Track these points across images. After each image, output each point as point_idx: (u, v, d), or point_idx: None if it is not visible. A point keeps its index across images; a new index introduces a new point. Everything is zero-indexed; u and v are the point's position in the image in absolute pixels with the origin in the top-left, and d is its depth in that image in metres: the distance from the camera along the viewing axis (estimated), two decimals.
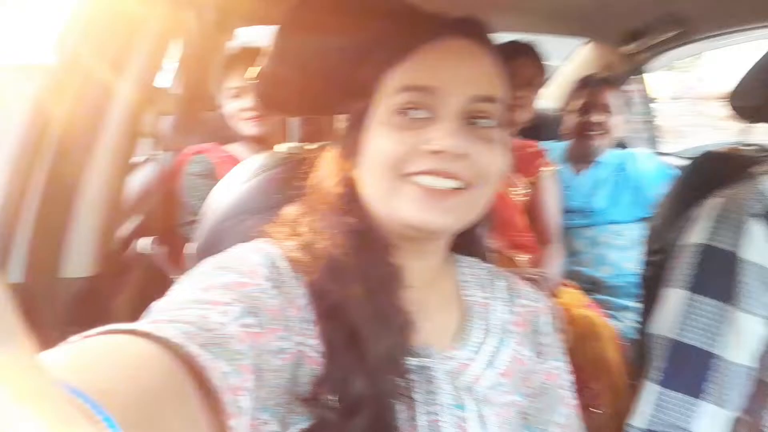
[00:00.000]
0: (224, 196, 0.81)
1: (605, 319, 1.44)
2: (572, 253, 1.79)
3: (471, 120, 0.59)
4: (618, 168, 1.88)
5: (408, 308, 0.59)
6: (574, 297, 1.54)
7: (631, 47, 1.85)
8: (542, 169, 1.79)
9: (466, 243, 0.73)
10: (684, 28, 1.61)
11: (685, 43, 1.70)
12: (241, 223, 0.76)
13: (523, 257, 1.64)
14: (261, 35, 1.70)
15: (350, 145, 0.63)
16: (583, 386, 1.33)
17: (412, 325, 0.58)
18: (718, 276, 0.78)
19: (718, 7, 1.37)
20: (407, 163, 0.57)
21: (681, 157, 2.04)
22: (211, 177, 1.49)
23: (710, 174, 0.97)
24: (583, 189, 1.87)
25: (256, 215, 0.74)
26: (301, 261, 0.58)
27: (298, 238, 0.61)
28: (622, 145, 2.08)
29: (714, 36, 1.57)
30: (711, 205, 0.82)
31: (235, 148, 1.63)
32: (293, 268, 0.58)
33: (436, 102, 0.58)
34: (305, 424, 0.53)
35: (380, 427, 0.54)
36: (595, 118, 1.82)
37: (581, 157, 1.93)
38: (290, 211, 0.65)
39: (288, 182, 0.69)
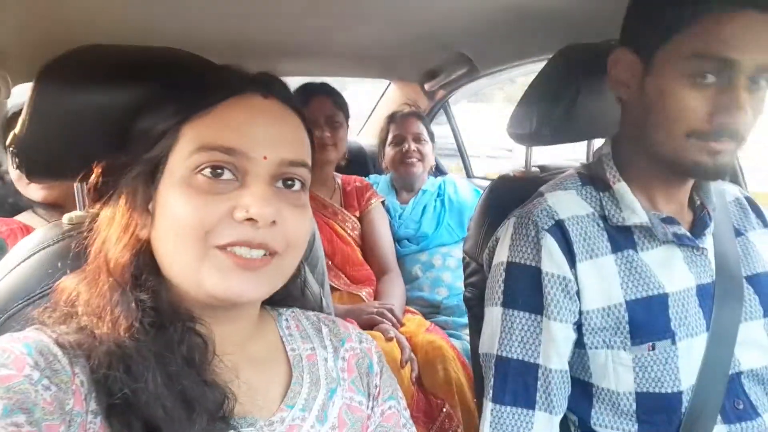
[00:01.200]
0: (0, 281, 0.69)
1: (448, 340, 1.51)
2: (410, 279, 1.87)
3: (280, 185, 0.58)
4: (439, 194, 2.02)
5: (221, 384, 0.54)
6: (416, 323, 1.60)
7: (431, 84, 2.03)
8: (371, 201, 1.86)
9: (283, 300, 0.72)
10: (470, 66, 1.81)
11: (475, 78, 1.90)
12: (20, 313, 0.65)
13: (363, 291, 1.67)
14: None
15: (141, 206, 0.57)
16: (438, 411, 1.37)
17: (228, 401, 0.54)
18: (525, 290, 0.85)
19: (494, 49, 1.56)
20: (215, 232, 0.53)
21: (489, 180, 2.28)
22: (1, 254, 1.26)
23: (505, 196, 1.08)
24: (411, 216, 1.98)
25: (38, 300, 0.64)
26: (78, 345, 0.51)
27: (73, 319, 0.54)
28: (439, 172, 2.27)
29: (497, 71, 1.78)
30: (509, 225, 0.90)
31: (25, 217, 1.40)
32: (68, 354, 0.50)
33: (242, 164, 0.55)
34: None
35: None
36: (411, 146, 1.98)
37: (405, 186, 2.06)
38: (66, 285, 0.57)
39: (72, 256, 0.61)
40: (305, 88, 1.79)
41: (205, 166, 0.54)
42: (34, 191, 1.36)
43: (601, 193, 0.88)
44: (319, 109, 1.75)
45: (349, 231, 1.80)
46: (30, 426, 0.43)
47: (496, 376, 0.86)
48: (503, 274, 0.87)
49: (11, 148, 0.66)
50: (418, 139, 2.00)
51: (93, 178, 0.61)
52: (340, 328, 0.73)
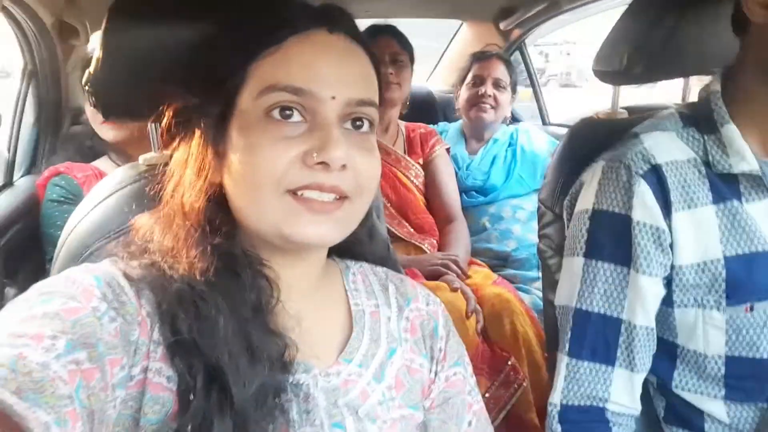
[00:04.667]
0: (80, 220, 0.70)
1: (516, 293, 1.46)
2: (478, 231, 1.81)
3: (349, 126, 0.55)
4: (510, 143, 1.92)
5: (284, 332, 0.53)
6: (483, 275, 1.55)
7: (506, 23, 1.90)
8: (435, 148, 1.80)
9: (352, 247, 0.69)
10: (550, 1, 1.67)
11: (554, 15, 1.76)
12: (101, 249, 0.66)
13: (426, 243, 1.64)
14: None
15: (213, 150, 0.55)
16: (503, 363, 1.34)
17: (289, 350, 0.53)
18: (612, 240, 0.78)
19: None
20: (287, 177, 0.52)
21: (567, 126, 2.14)
22: (78, 200, 1.33)
23: (588, 140, 0.99)
24: (480, 167, 1.90)
25: (115, 238, 0.65)
26: (146, 279, 0.51)
27: (146, 255, 0.53)
28: (513, 120, 2.15)
29: (581, 4, 1.63)
30: (596, 168, 0.82)
31: (101, 163, 1.46)
32: (135, 286, 0.51)
33: (310, 105, 0.53)
34: None
35: None
36: (487, 90, 1.86)
37: (475, 134, 1.96)
38: (142, 223, 0.57)
39: (148, 197, 0.61)
40: (370, 29, 1.73)
41: (273, 108, 0.52)
42: (106, 131, 1.40)
43: (705, 136, 0.77)
44: (384, 47, 1.70)
45: (412, 178, 1.76)
46: (90, 362, 0.43)
47: (573, 329, 0.80)
48: (587, 222, 0.80)
49: (87, 87, 0.66)
50: (497, 84, 1.88)
51: (165, 119, 0.60)
52: (408, 287, 0.70)
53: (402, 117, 1.85)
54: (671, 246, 0.75)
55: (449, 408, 0.66)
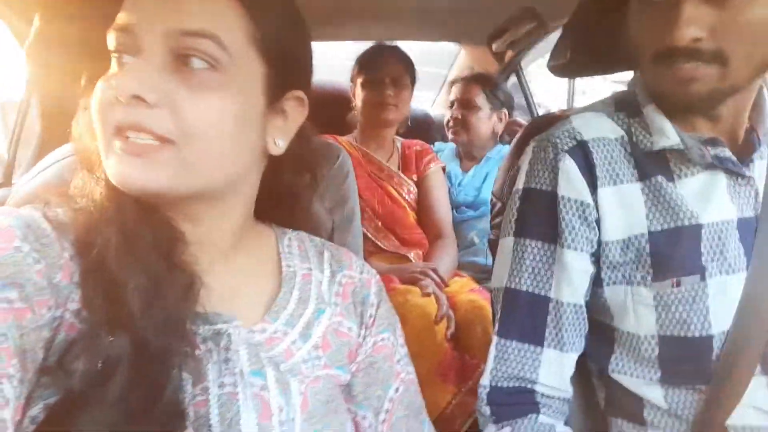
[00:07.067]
0: (24, 184, 0.75)
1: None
2: (466, 245, 1.81)
3: (181, 62, 0.50)
4: (502, 160, 1.93)
5: (191, 274, 0.53)
6: (461, 284, 1.54)
7: (497, 45, 1.94)
8: (430, 165, 1.83)
9: (288, 215, 0.70)
10: (538, 20, 1.70)
11: (545, 34, 1.79)
12: None
13: (411, 253, 1.64)
14: None
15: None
16: (472, 370, 1.32)
17: (195, 284, 0.52)
18: (539, 217, 0.78)
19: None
20: (108, 116, 0.50)
21: None
22: None
23: (536, 133, 0.99)
24: (472, 183, 1.92)
25: None
26: (68, 222, 0.51)
27: (65, 198, 0.54)
28: (510, 139, 2.16)
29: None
30: (528, 150, 0.83)
31: None
32: (57, 229, 0.50)
33: (135, 42, 0.50)
34: (52, 399, 0.46)
35: (145, 396, 0.46)
36: (454, 114, 1.94)
37: (466, 155, 1.99)
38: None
39: None
40: (375, 48, 1.79)
41: (113, 54, 0.53)
42: None
43: (632, 119, 0.78)
44: (386, 67, 1.73)
45: (404, 195, 1.77)
46: (21, 302, 0.42)
47: (503, 309, 0.79)
48: (518, 201, 0.80)
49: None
50: (466, 105, 1.93)
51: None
52: (343, 256, 0.70)
53: (401, 136, 1.88)
54: (597, 222, 0.75)
55: (374, 372, 0.65)
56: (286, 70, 0.58)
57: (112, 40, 0.52)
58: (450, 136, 1.98)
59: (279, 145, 0.60)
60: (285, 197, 0.69)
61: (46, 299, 0.46)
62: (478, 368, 1.31)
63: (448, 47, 2.41)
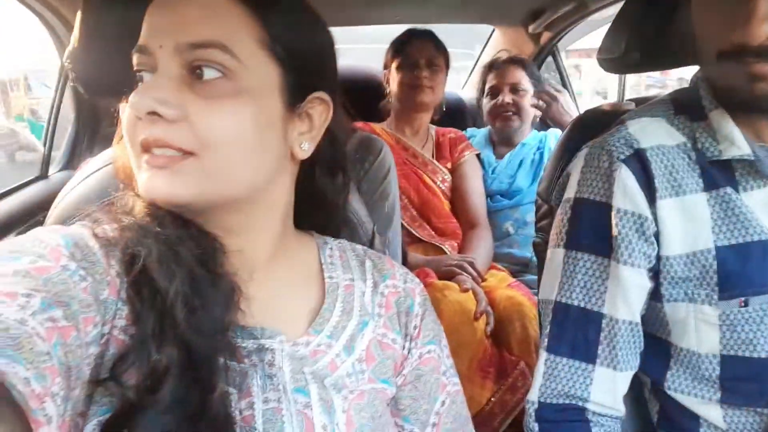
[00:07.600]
0: (69, 192, 0.75)
1: (531, 297, 1.41)
2: (501, 236, 1.77)
3: (194, 74, 0.51)
4: (539, 147, 1.87)
5: (232, 283, 0.52)
6: (499, 278, 1.51)
7: (534, 26, 1.86)
8: (465, 153, 1.79)
9: (325, 219, 0.69)
10: (579, 0, 1.63)
11: (585, 15, 1.71)
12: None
13: (446, 244, 1.62)
14: None
15: None
16: (512, 367, 1.30)
17: (236, 296, 0.52)
18: (592, 230, 0.74)
19: None
20: (135, 134, 0.51)
21: None
22: None
23: (591, 132, 0.95)
24: (506, 170, 1.86)
25: None
26: (115, 239, 0.51)
27: (113, 216, 0.54)
28: (546, 125, 2.09)
29: (608, 4, 1.58)
30: (580, 157, 0.79)
31: None
32: (104, 246, 0.50)
33: (152, 60, 0.52)
34: (106, 415, 0.46)
35: (195, 403, 0.46)
36: (505, 99, 1.84)
37: (503, 140, 1.93)
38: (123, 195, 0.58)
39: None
40: (408, 31, 1.76)
41: (136, 71, 0.54)
42: None
43: (695, 123, 0.73)
44: (419, 50, 1.70)
45: (438, 183, 1.74)
46: (66, 320, 0.43)
47: (552, 323, 0.77)
48: (569, 212, 0.77)
49: (67, 62, 0.70)
50: (515, 89, 1.85)
51: None
52: (385, 265, 0.68)
53: (433, 123, 1.84)
54: (657, 236, 0.71)
55: (421, 385, 0.64)
56: (304, 72, 0.56)
57: (135, 59, 0.53)
58: (497, 123, 1.88)
59: (305, 148, 0.59)
60: (320, 201, 0.67)
61: (92, 316, 0.46)
62: (518, 365, 1.30)
63: (477, 28, 2.33)
